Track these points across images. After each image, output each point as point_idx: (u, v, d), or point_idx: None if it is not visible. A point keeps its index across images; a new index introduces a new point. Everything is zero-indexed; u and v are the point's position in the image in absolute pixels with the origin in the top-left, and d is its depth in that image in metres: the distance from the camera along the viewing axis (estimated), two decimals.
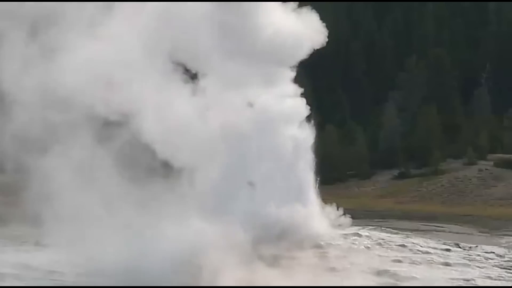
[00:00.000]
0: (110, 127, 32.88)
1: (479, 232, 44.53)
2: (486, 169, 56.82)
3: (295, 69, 35.91)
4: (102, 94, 32.90)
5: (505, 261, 34.19)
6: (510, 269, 32.82)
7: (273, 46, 34.85)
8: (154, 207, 32.38)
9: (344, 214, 36.73)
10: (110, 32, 33.58)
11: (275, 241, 32.74)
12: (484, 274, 31.99)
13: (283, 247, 32.63)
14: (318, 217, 35.44)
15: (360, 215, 44.66)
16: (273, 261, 31.36)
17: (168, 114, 33.80)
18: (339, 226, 36.11)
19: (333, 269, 31.37)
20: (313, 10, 35.47)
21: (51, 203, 31.56)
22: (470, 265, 33.18)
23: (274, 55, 35.05)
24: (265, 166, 35.09)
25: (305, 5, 35.45)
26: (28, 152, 32.25)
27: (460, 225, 46.57)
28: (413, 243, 35.64)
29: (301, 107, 35.70)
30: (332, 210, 36.39)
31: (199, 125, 34.25)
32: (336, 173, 56.48)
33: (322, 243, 33.88)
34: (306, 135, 35.98)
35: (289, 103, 35.60)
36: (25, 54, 33.10)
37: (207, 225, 31.45)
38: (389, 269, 31.79)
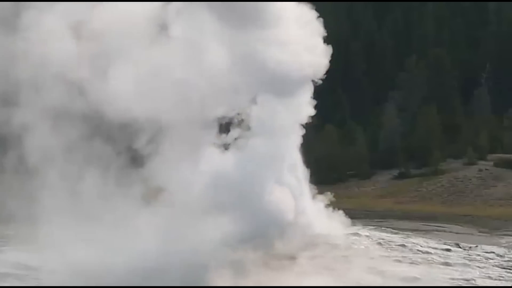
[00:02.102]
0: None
1: (479, 232, 44.59)
2: (486, 169, 56.85)
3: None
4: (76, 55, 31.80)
5: (505, 261, 34.18)
6: (510, 269, 32.80)
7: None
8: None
9: (344, 213, 36.69)
10: None
11: (270, 238, 32.42)
12: (484, 274, 31.98)
13: (281, 246, 32.51)
14: (315, 212, 35.23)
15: (360, 215, 44.76)
16: (268, 261, 31.26)
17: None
18: (338, 224, 36.01)
19: (332, 269, 31.32)
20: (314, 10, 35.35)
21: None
22: (470, 265, 33.16)
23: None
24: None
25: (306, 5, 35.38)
26: None
27: (460, 225, 46.64)
28: (413, 243, 35.65)
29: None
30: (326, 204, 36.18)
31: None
32: (336, 173, 56.62)
33: (321, 242, 33.83)
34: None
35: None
36: None
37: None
38: (389, 269, 31.76)
